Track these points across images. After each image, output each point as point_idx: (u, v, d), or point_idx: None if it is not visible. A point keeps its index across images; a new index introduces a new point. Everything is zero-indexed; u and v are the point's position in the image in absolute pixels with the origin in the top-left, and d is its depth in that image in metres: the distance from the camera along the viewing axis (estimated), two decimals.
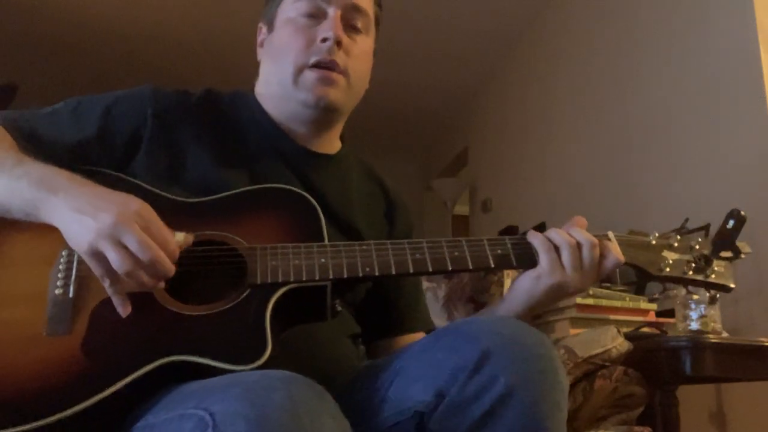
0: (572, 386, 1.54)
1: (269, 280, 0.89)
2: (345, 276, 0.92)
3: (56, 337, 0.84)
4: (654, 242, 1.04)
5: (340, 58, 1.07)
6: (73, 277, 0.88)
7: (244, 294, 0.88)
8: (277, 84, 1.11)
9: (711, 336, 1.72)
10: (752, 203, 2.02)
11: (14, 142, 0.97)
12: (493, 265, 0.97)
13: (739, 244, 1.03)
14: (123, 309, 0.84)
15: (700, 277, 1.03)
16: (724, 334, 1.77)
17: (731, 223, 1.02)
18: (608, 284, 2.08)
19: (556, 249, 0.97)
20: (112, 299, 0.85)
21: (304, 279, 0.90)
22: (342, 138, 1.23)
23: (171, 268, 0.84)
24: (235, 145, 1.09)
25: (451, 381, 0.80)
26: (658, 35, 2.70)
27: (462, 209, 5.27)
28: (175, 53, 4.22)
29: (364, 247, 0.95)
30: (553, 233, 0.98)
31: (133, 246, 0.81)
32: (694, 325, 1.75)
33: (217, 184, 1.01)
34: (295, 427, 0.64)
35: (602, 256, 0.98)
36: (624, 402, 1.64)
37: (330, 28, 1.07)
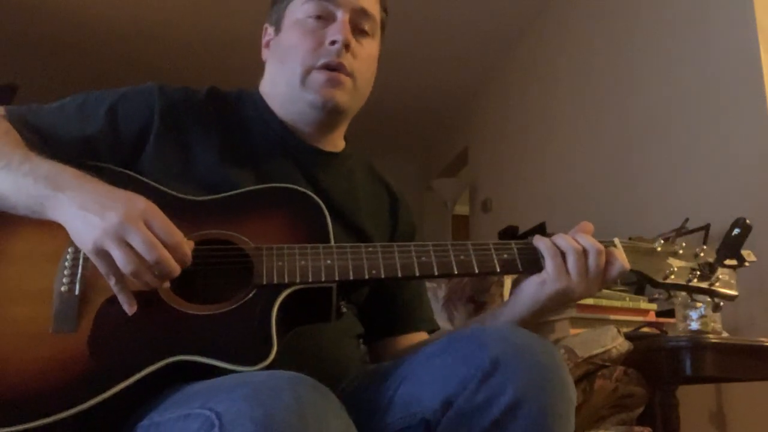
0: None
1: (275, 281, 0.89)
2: (351, 278, 0.92)
3: (62, 334, 0.84)
4: (659, 249, 1.04)
5: (347, 60, 1.08)
6: (79, 274, 0.88)
7: (250, 294, 0.88)
8: (285, 84, 1.11)
9: (711, 336, 1.72)
10: (752, 203, 2.03)
11: (20, 137, 0.97)
12: (499, 270, 0.97)
13: (744, 252, 1.03)
14: (129, 307, 0.84)
15: (704, 285, 1.02)
16: (724, 334, 1.78)
17: (736, 231, 1.02)
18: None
19: (562, 255, 0.96)
20: (117, 297, 0.85)
21: (310, 280, 0.90)
22: (345, 138, 1.23)
23: (176, 268, 0.83)
24: (242, 142, 1.09)
25: (460, 389, 0.80)
26: (658, 35, 2.70)
27: (462, 209, 5.27)
28: (175, 53, 4.22)
29: (370, 249, 0.95)
30: (560, 239, 0.97)
31: (138, 245, 0.81)
32: (694, 325, 1.75)
33: (224, 181, 1.01)
34: (302, 427, 0.65)
35: (608, 263, 0.98)
36: (624, 402, 1.64)
37: (339, 30, 1.07)
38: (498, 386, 0.78)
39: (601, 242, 0.99)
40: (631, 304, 1.99)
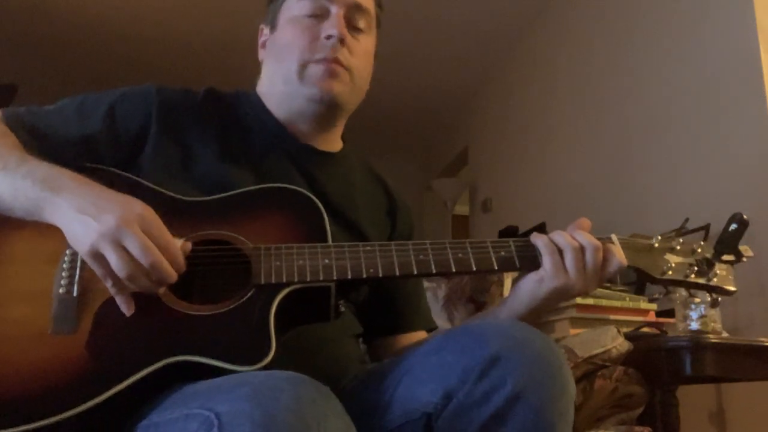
0: None
1: (273, 281, 0.89)
2: (349, 277, 0.92)
3: (61, 335, 0.84)
4: (656, 245, 1.04)
5: (343, 55, 1.08)
6: (77, 276, 0.88)
7: (249, 294, 0.88)
8: (282, 82, 1.12)
9: (711, 336, 1.72)
10: (752, 203, 2.03)
11: (18, 140, 0.97)
12: (496, 268, 0.97)
13: (741, 247, 1.03)
14: (127, 308, 0.85)
15: (702, 281, 1.03)
16: (724, 334, 1.78)
17: (734, 226, 1.02)
18: (608, 284, 2.08)
19: (560, 252, 0.96)
20: (115, 299, 0.85)
21: (308, 280, 0.90)
22: (343, 139, 1.23)
23: (172, 273, 0.84)
24: (240, 142, 1.10)
25: (460, 383, 0.80)
26: (658, 35, 2.70)
27: (462, 209, 5.27)
28: (175, 53, 4.22)
29: (368, 248, 0.95)
30: (557, 236, 0.98)
31: (134, 249, 0.81)
32: (694, 325, 1.76)
33: (222, 182, 1.01)
34: (301, 427, 0.65)
35: (605, 259, 0.98)
36: (624, 402, 1.64)
37: (334, 25, 1.08)
38: (498, 379, 0.79)
39: (598, 239, 0.99)
40: (631, 304, 2.00)
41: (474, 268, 0.96)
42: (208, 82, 1.20)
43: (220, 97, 1.14)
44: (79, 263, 0.89)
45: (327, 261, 0.92)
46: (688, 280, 1.03)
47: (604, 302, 1.96)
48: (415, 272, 0.95)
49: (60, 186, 0.86)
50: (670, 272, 1.02)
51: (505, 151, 4.21)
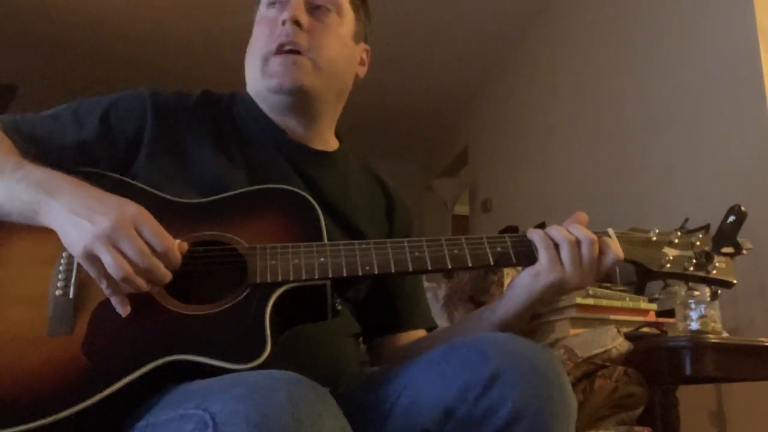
0: (572, 386, 1.54)
1: (269, 280, 0.89)
2: (344, 275, 0.92)
3: (57, 337, 0.84)
4: (654, 239, 1.03)
5: (302, 39, 1.08)
6: (73, 278, 0.88)
7: (244, 293, 0.88)
8: (252, 80, 1.13)
9: (711, 336, 1.72)
10: (752, 203, 2.02)
11: (14, 145, 0.98)
12: (492, 263, 0.96)
13: (741, 239, 1.02)
14: (122, 309, 0.85)
15: (701, 273, 1.02)
16: (724, 334, 1.78)
17: (732, 218, 1.01)
18: (608, 284, 2.08)
19: (556, 246, 0.96)
20: (110, 300, 0.85)
21: (303, 278, 0.90)
22: (339, 136, 1.23)
23: (166, 274, 0.84)
24: (236, 144, 1.10)
25: (461, 399, 0.80)
26: (658, 35, 2.70)
27: (462, 209, 5.27)
28: (175, 53, 4.22)
29: (364, 246, 0.95)
30: (553, 230, 0.97)
31: (128, 251, 0.81)
32: (694, 325, 1.75)
33: (218, 183, 1.01)
34: (296, 427, 0.64)
35: (602, 252, 0.97)
36: (624, 402, 1.64)
37: (288, 9, 1.08)
38: (498, 398, 0.78)
39: (595, 233, 0.98)
40: (631, 304, 1.99)
41: (470, 264, 0.96)
42: (208, 82, 1.20)
43: (216, 98, 1.15)
44: (75, 265, 0.89)
45: (322, 259, 0.92)
46: (687, 272, 1.02)
47: (604, 302, 1.96)
48: (411, 269, 0.95)
49: (55, 189, 0.87)
50: (669, 265, 1.01)
51: (505, 151, 4.21)
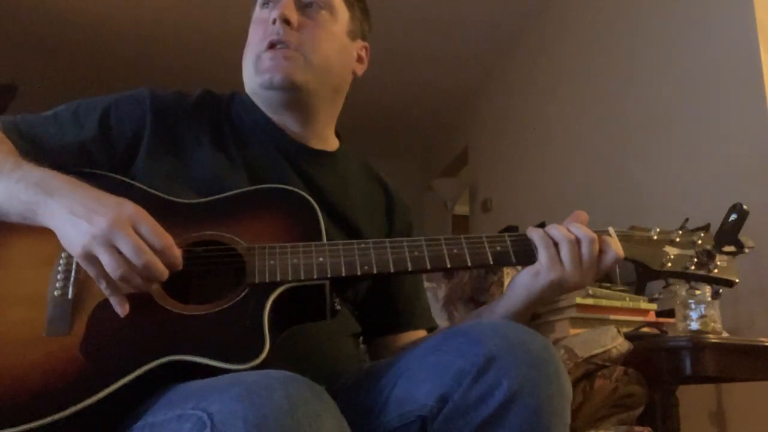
0: (572, 386, 1.54)
1: (267, 280, 0.89)
2: (343, 275, 0.91)
3: (56, 337, 0.84)
4: (655, 237, 1.03)
5: (292, 36, 1.08)
6: (72, 278, 0.88)
7: (243, 293, 0.88)
8: (248, 78, 1.14)
9: (711, 336, 1.72)
10: (752, 203, 2.01)
11: (13, 146, 0.98)
12: (492, 262, 0.96)
13: (742, 238, 1.01)
14: (121, 309, 0.85)
15: (702, 272, 1.01)
16: (724, 334, 1.77)
17: (733, 217, 1.01)
18: (608, 284, 2.08)
19: (555, 245, 0.96)
20: (109, 300, 0.85)
21: (302, 278, 0.90)
22: (339, 136, 1.23)
23: (164, 272, 0.84)
24: (235, 143, 1.10)
25: (455, 385, 0.79)
26: (658, 35, 2.70)
27: (462, 209, 5.27)
28: (175, 53, 4.22)
29: (363, 245, 0.95)
30: (553, 229, 0.97)
31: (126, 250, 0.81)
32: (694, 325, 1.75)
33: (218, 183, 1.01)
34: (294, 427, 0.64)
35: (602, 251, 0.97)
36: (624, 402, 1.63)
37: (277, 8, 1.09)
38: (493, 381, 0.78)
39: (595, 231, 0.98)
40: (631, 304, 1.99)
41: (469, 263, 0.96)
42: (208, 82, 1.20)
43: (216, 98, 1.15)
44: (74, 265, 0.89)
45: (321, 259, 0.91)
46: (689, 271, 1.01)
47: (604, 302, 1.96)
48: (410, 268, 0.94)
49: (53, 189, 0.87)
50: (670, 264, 1.01)
51: (505, 151, 4.21)
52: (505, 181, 4.21)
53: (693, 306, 1.76)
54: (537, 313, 2.01)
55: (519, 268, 1.01)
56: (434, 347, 0.86)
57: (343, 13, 1.16)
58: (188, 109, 1.10)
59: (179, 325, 0.85)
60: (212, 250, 0.93)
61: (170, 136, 1.06)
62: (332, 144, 1.20)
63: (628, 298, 2.00)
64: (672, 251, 1.02)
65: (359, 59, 1.20)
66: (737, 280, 1.02)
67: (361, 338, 1.17)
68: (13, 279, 0.89)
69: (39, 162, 0.93)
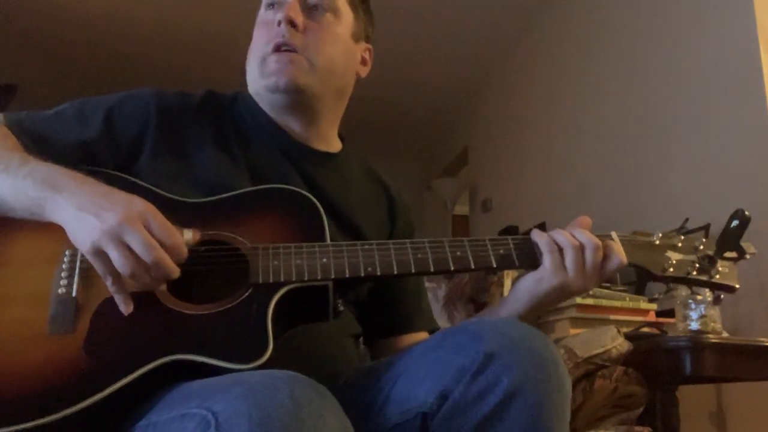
0: (572, 386, 1.54)
1: (271, 280, 0.89)
2: (347, 276, 0.91)
3: (59, 335, 0.84)
4: (657, 242, 1.03)
5: (297, 39, 1.08)
6: (76, 276, 0.88)
7: (246, 293, 0.88)
8: (252, 80, 1.14)
9: (711, 336, 1.72)
10: (752, 203, 2.02)
11: (18, 142, 0.98)
12: (495, 266, 0.97)
13: (744, 244, 1.02)
14: (125, 307, 0.84)
15: (704, 278, 1.02)
16: (724, 334, 1.78)
17: (735, 223, 1.01)
18: (608, 284, 2.08)
19: (560, 250, 0.96)
20: (114, 298, 0.85)
21: (305, 279, 0.90)
22: (342, 138, 1.23)
23: (175, 269, 0.84)
24: (238, 144, 1.10)
25: (455, 381, 0.80)
26: (658, 35, 2.70)
27: (462, 209, 5.27)
28: (175, 53, 4.22)
29: (366, 246, 0.95)
30: (558, 234, 0.97)
31: (136, 247, 0.81)
32: (694, 325, 1.75)
33: (220, 183, 1.01)
34: (298, 427, 0.64)
35: (605, 256, 0.97)
36: (624, 402, 1.64)
37: (282, 10, 1.09)
38: (493, 378, 0.78)
39: (598, 236, 0.98)
40: (631, 304, 2.00)
41: (473, 266, 0.96)
42: (209, 82, 1.20)
43: (219, 98, 1.15)
44: (78, 263, 0.89)
45: (325, 260, 0.92)
46: (690, 277, 1.02)
47: (604, 302, 1.96)
48: (414, 270, 0.95)
49: (61, 185, 0.87)
50: (672, 269, 1.01)
51: (505, 151, 4.21)
52: (505, 181, 4.21)
53: (693, 306, 1.76)
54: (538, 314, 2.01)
55: (521, 270, 1.01)
56: (434, 345, 0.86)
57: (347, 16, 1.16)
58: (192, 109, 1.10)
59: (183, 324, 0.85)
60: (216, 250, 0.93)
61: (174, 136, 1.06)
62: (335, 145, 1.20)
63: (628, 298, 2.00)
64: (674, 256, 1.02)
65: (363, 61, 1.20)
66: (738, 286, 1.02)
67: (361, 339, 1.17)
68: (16, 276, 0.89)
69: (43, 158, 0.93)
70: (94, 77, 4.31)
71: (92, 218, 0.82)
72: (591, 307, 1.94)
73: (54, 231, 0.86)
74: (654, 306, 2.02)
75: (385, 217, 1.21)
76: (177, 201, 0.98)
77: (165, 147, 1.05)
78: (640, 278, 1.05)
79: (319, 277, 0.90)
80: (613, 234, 1.01)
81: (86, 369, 0.81)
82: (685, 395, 1.85)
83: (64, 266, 0.89)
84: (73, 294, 0.87)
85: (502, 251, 0.98)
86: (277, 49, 1.08)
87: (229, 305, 0.87)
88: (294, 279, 0.90)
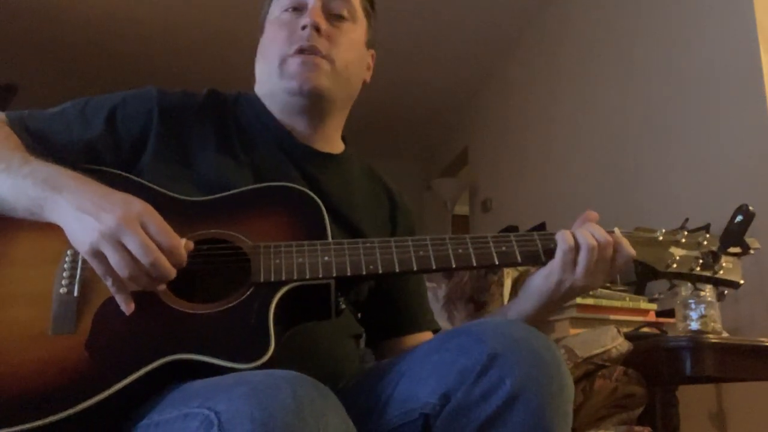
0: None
1: (273, 279, 0.89)
2: (348, 274, 0.92)
3: (61, 335, 0.84)
4: (661, 238, 1.03)
5: (321, 44, 1.09)
6: (77, 276, 0.88)
7: (248, 292, 0.88)
8: (267, 80, 1.13)
9: (711, 336, 1.72)
10: (752, 203, 2.02)
11: (20, 141, 0.98)
12: (497, 263, 0.97)
13: (748, 239, 1.02)
14: (126, 307, 0.85)
15: (707, 273, 1.01)
16: (724, 334, 1.77)
17: (739, 218, 1.01)
18: (608, 284, 2.08)
19: (574, 247, 0.96)
20: (115, 298, 0.85)
21: (307, 277, 0.90)
22: (344, 139, 1.23)
23: (171, 271, 0.84)
24: (241, 144, 1.10)
25: (458, 383, 0.80)
26: (658, 35, 2.70)
27: (462, 209, 5.27)
28: (175, 53, 4.22)
29: (368, 245, 0.95)
30: (578, 233, 0.97)
31: (134, 248, 0.81)
32: (694, 325, 1.75)
33: (223, 182, 1.02)
34: (300, 426, 0.64)
35: (615, 251, 0.98)
36: (624, 402, 1.64)
37: (308, 15, 1.09)
38: (496, 379, 0.78)
39: None
40: (631, 304, 1.99)
41: (474, 264, 0.96)
42: (210, 82, 1.20)
43: (222, 98, 1.15)
44: (80, 263, 0.89)
45: (327, 258, 0.92)
46: (694, 273, 1.01)
47: (604, 302, 1.96)
48: (415, 268, 0.95)
49: (61, 185, 0.87)
50: (675, 265, 1.01)
51: (505, 151, 4.21)
52: (505, 181, 4.21)
53: (693, 306, 1.76)
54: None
55: (521, 268, 1.01)
56: (437, 346, 0.86)
57: (362, 23, 1.17)
58: (195, 109, 1.10)
59: (184, 323, 0.85)
60: (217, 249, 0.93)
61: (176, 136, 1.06)
62: (338, 147, 1.20)
63: (628, 298, 2.00)
64: (677, 252, 1.02)
65: (368, 67, 1.22)
66: (742, 282, 1.02)
67: (362, 340, 1.17)
68: (18, 277, 0.89)
69: (45, 158, 0.93)
70: (94, 77, 4.31)
71: (91, 219, 0.82)
72: (591, 307, 1.94)
73: (55, 231, 0.86)
74: (654, 306, 2.02)
75: (387, 219, 1.21)
76: (178, 200, 0.98)
77: (167, 146, 1.05)
78: (639, 278, 1.05)
79: (320, 276, 0.91)
80: (616, 230, 1.01)
81: (88, 369, 0.81)
82: (685, 395, 1.85)
83: (65, 266, 0.89)
84: (75, 294, 0.87)
85: (504, 248, 0.98)
86: (301, 51, 1.08)
87: (231, 304, 0.87)
88: (296, 277, 0.90)
